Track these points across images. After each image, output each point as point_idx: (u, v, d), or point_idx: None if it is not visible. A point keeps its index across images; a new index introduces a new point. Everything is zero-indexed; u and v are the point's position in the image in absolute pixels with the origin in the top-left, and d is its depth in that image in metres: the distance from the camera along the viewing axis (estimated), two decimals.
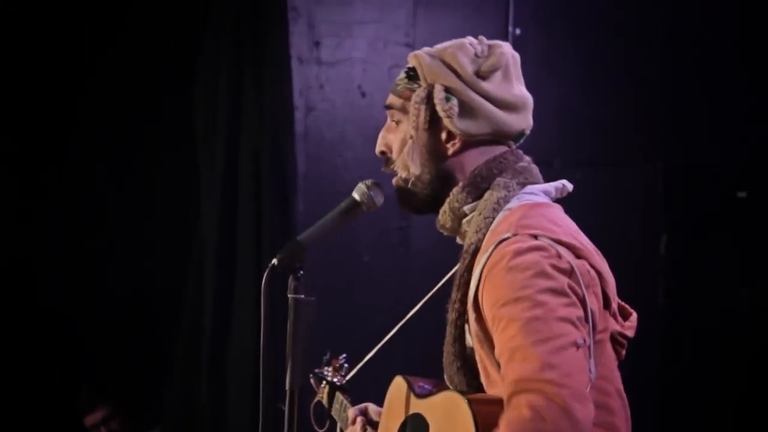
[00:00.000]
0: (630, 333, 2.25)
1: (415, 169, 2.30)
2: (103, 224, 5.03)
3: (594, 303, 2.12)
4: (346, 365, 2.75)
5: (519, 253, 2.10)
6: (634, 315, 2.30)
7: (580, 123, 4.95)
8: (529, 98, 2.36)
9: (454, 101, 2.28)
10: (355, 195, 2.38)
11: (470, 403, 2.10)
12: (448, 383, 2.29)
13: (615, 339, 2.21)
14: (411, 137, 2.30)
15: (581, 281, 2.09)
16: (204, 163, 4.78)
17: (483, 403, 2.11)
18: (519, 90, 2.35)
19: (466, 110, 2.29)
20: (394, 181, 2.36)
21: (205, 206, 4.77)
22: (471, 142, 2.31)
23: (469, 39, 2.36)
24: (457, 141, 2.30)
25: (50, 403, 4.94)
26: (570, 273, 2.09)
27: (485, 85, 2.31)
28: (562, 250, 2.11)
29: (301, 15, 4.78)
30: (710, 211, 4.94)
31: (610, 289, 2.19)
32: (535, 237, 2.12)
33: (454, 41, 2.36)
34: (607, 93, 4.95)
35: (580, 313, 2.07)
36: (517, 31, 4.85)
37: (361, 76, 4.81)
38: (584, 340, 2.04)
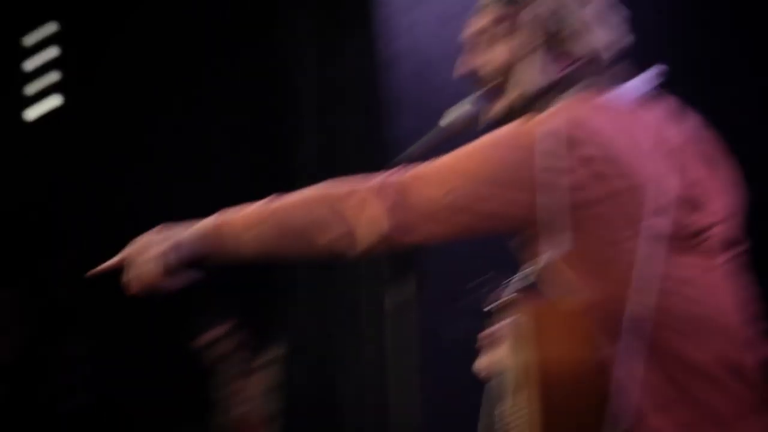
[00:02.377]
0: (708, 221, 2.24)
1: (542, 78, 2.29)
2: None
3: (591, 188, 2.08)
4: None
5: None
6: (723, 202, 2.31)
7: None
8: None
9: (575, 18, 2.30)
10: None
11: None
12: None
13: (686, 237, 2.17)
14: (536, 49, 2.29)
15: (544, 158, 2.06)
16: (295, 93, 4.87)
17: None
18: None
19: (581, 29, 2.30)
20: (500, 104, 2.34)
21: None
22: (572, 61, 2.31)
23: None
24: (565, 59, 2.31)
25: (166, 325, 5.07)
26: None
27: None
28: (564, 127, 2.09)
29: None
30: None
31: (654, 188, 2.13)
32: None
33: None
34: None
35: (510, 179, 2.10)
36: None
37: None
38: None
